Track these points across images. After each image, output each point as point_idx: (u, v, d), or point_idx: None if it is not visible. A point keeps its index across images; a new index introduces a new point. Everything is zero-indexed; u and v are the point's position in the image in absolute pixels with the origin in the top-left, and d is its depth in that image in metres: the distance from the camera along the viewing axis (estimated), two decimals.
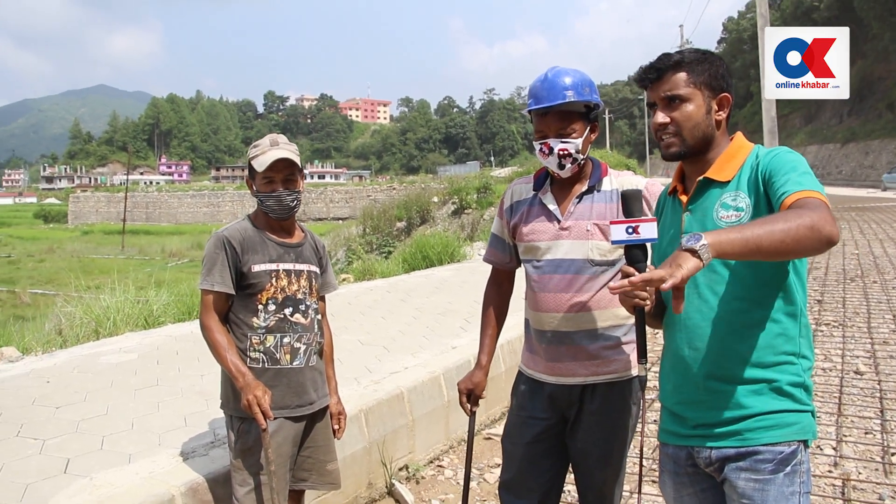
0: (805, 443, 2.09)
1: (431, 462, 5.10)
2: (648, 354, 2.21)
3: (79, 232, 65.77)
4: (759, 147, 2.21)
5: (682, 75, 2.19)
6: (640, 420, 2.88)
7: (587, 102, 2.80)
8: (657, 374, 2.47)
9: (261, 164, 2.99)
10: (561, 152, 2.79)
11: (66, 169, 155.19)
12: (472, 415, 3.18)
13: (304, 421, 3.10)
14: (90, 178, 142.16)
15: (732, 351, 2.10)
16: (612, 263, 2.83)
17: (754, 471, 2.05)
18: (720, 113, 2.24)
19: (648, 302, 2.12)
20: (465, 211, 31.62)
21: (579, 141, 2.80)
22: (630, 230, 2.09)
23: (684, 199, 2.27)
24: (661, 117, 2.21)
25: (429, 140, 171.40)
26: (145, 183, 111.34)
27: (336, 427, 3.29)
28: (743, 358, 2.08)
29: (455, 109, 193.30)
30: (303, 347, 3.08)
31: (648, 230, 2.09)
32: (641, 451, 2.43)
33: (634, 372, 2.90)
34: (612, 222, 2.14)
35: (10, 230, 68.71)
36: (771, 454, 2.05)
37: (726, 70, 2.25)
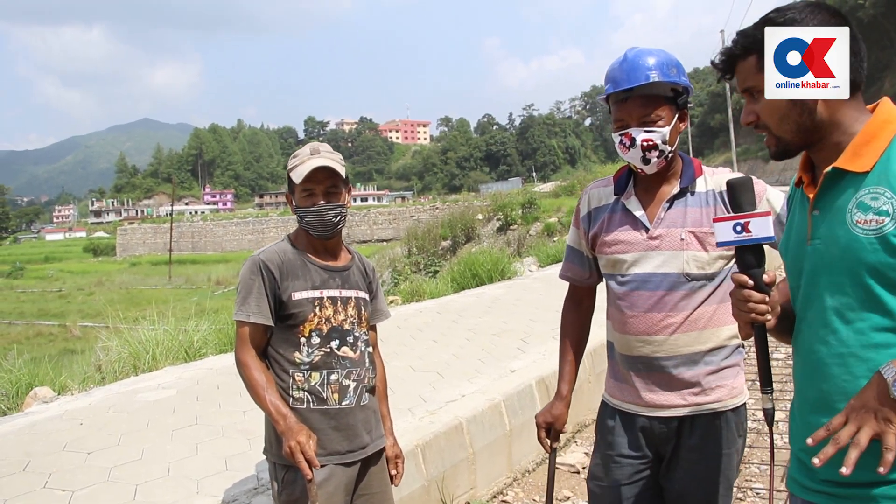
0: None
1: (495, 497, 4.70)
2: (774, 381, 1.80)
3: (127, 264, 67.07)
4: None
5: (752, 60, 1.73)
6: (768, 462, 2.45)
7: (674, 85, 2.40)
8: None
9: (299, 175, 2.64)
10: (645, 143, 2.38)
11: (113, 202, 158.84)
12: (552, 451, 2.78)
13: (356, 466, 2.72)
14: (137, 211, 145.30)
15: None
16: (710, 277, 2.42)
17: None
18: None
19: (770, 317, 1.73)
20: (511, 227, 31.39)
21: (666, 130, 2.39)
22: (739, 228, 1.75)
23: (811, 193, 1.78)
24: (745, 115, 1.80)
25: (470, 158, 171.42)
26: (190, 213, 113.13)
27: (393, 472, 2.91)
28: None
29: (495, 127, 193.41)
30: (353, 385, 2.71)
31: (762, 227, 1.73)
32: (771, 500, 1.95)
33: (740, 400, 2.51)
34: (715, 220, 1.80)
35: (60, 265, 70.26)
36: None
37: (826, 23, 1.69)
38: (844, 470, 1.48)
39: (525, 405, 5.11)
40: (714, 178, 2.51)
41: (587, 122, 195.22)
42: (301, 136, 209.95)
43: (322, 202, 2.67)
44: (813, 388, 1.72)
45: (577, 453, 5.30)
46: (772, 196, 2.44)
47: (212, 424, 4.61)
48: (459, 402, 4.80)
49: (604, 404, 2.70)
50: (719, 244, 1.81)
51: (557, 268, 11.84)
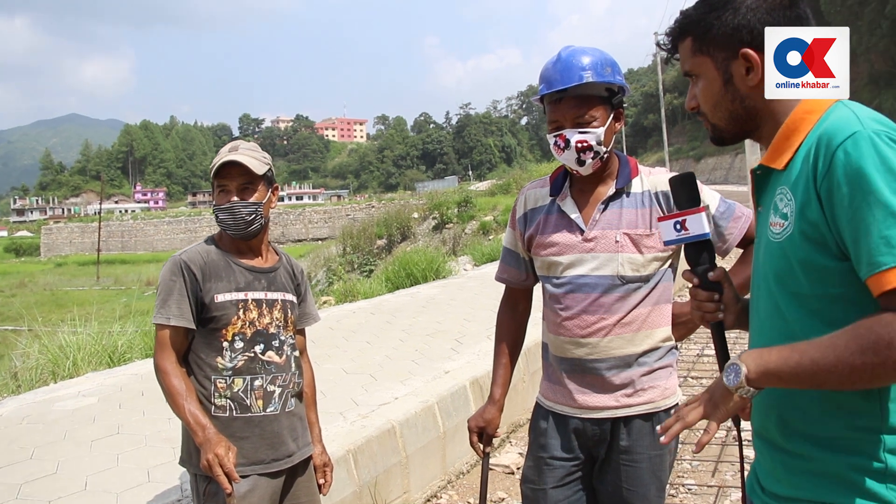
0: None
1: (429, 500, 4.64)
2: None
3: (52, 264, 64.69)
4: (832, 112, 1.46)
5: (688, 42, 1.64)
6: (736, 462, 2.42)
7: (609, 85, 2.36)
8: None
9: (213, 171, 2.54)
10: (579, 145, 2.34)
11: (37, 200, 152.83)
12: (485, 456, 2.72)
13: (282, 476, 2.62)
14: (63, 210, 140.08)
15: (781, 416, 1.53)
16: (645, 279, 2.41)
17: None
18: (748, 74, 1.56)
19: (721, 315, 1.69)
20: (447, 226, 31.41)
21: (601, 130, 2.36)
22: (678, 226, 1.70)
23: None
24: (688, 98, 1.71)
25: (406, 157, 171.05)
26: (120, 211, 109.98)
27: (322, 481, 2.81)
28: (793, 428, 1.50)
29: (432, 125, 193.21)
30: (277, 391, 2.61)
31: (696, 224, 1.68)
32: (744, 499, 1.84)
33: (672, 401, 2.50)
34: (660, 219, 1.76)
35: None
36: None
37: (764, 8, 1.54)
38: (663, 439, 1.58)
39: (459, 407, 5.06)
40: (650, 178, 2.48)
41: (523, 121, 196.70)
42: (236, 133, 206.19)
43: (235, 199, 2.56)
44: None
45: (511, 454, 5.27)
46: (707, 196, 2.42)
47: (135, 434, 4.41)
48: (392, 405, 4.71)
49: (538, 406, 2.66)
50: (666, 243, 1.77)
51: (493, 266, 11.88)
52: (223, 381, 2.53)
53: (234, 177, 2.56)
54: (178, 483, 3.50)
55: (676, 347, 2.57)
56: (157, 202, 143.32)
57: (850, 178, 1.32)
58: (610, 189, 2.45)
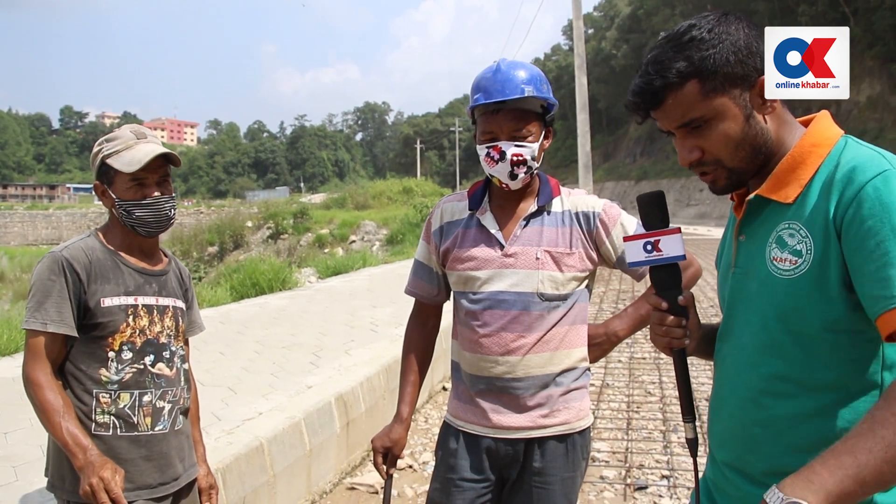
0: None
1: None
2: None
3: None
4: (846, 148, 1.46)
5: (694, 86, 1.47)
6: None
7: (544, 101, 2.33)
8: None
9: (130, 163, 2.26)
10: (515, 158, 2.29)
11: None
12: (388, 478, 2.58)
13: (168, 501, 2.36)
14: None
15: (763, 448, 1.51)
16: (564, 298, 2.37)
17: None
18: (765, 103, 1.50)
19: (687, 341, 1.64)
20: (282, 236, 30.81)
21: (535, 146, 2.33)
22: (650, 247, 1.62)
23: (739, 216, 1.63)
24: (686, 153, 1.53)
25: (238, 164, 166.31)
26: None
27: None
28: (779, 460, 1.46)
29: (265, 134, 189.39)
30: (167, 407, 2.36)
31: (672, 245, 1.61)
32: None
33: (586, 422, 2.48)
34: (626, 238, 1.68)
35: None
36: None
37: (747, 33, 1.49)
38: None
39: (324, 423, 4.85)
40: (570, 198, 2.47)
41: (358, 136, 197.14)
42: (56, 125, 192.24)
43: (157, 193, 2.31)
44: (717, 422, 1.63)
45: (374, 473, 5.12)
46: (626, 221, 2.42)
47: None
48: (257, 421, 4.44)
49: (446, 425, 2.56)
50: (631, 265, 1.70)
51: (338, 280, 11.70)
52: (107, 395, 2.25)
53: (155, 169, 2.31)
54: None
55: (589, 369, 2.55)
56: None
57: (877, 212, 1.30)
58: (531, 206, 2.42)
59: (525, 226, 2.39)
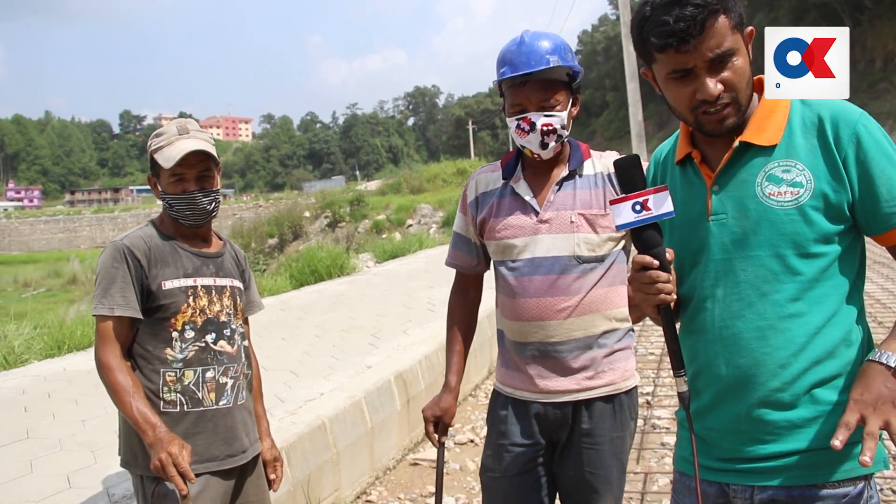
0: (872, 476, 1.65)
1: (359, 497, 4.53)
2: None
3: None
4: (801, 100, 1.67)
5: (724, 20, 1.56)
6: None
7: (570, 69, 2.36)
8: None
9: (168, 159, 2.37)
10: (545, 128, 2.34)
11: None
12: (440, 446, 2.67)
13: (234, 476, 2.48)
14: None
15: (789, 369, 1.62)
16: (601, 259, 2.40)
17: None
18: (750, 52, 1.66)
19: (674, 296, 1.67)
20: (339, 224, 31.16)
21: (564, 114, 2.37)
22: (639, 207, 1.63)
23: (709, 169, 1.73)
24: (713, 86, 1.59)
25: (293, 156, 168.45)
26: None
27: (272, 476, 2.68)
28: (802, 378, 1.62)
29: (318, 125, 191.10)
30: (230, 382, 2.47)
31: (662, 203, 1.62)
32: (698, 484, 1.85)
33: (632, 383, 2.51)
34: (612, 202, 1.68)
35: None
36: (832, 499, 1.61)
37: None
38: (866, 459, 1.44)
39: (385, 402, 4.98)
40: (602, 160, 2.50)
41: (410, 121, 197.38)
42: (116, 130, 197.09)
43: (194, 189, 2.42)
44: (729, 364, 1.69)
45: (433, 450, 5.23)
46: None
47: (47, 438, 4.10)
48: (319, 401, 4.58)
49: (496, 393, 2.63)
50: (619, 227, 1.67)
51: (395, 263, 11.82)
52: (173, 373, 2.38)
53: (193, 164, 2.41)
54: (103, 489, 3.28)
55: (633, 330, 2.59)
56: (31, 200, 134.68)
57: (873, 146, 1.59)
58: (563, 171, 2.46)
59: (558, 190, 2.43)
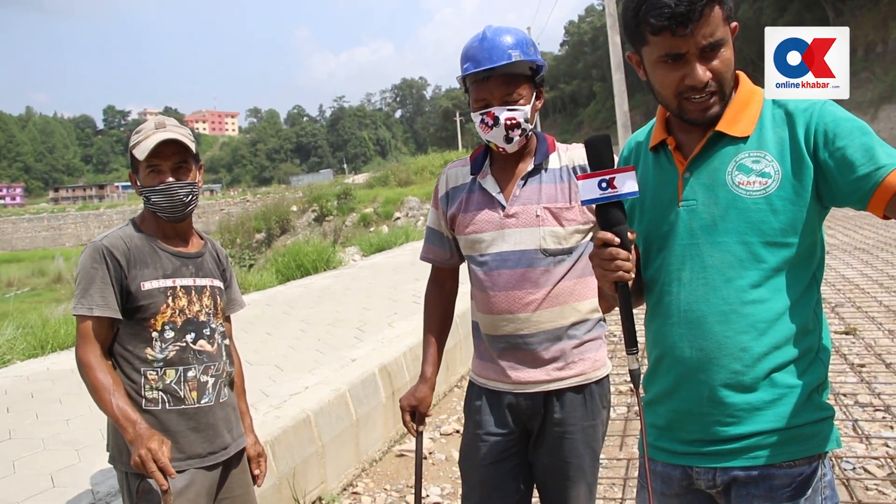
0: (826, 454, 1.74)
1: (345, 489, 4.60)
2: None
3: None
4: (773, 99, 1.74)
5: (719, 10, 1.62)
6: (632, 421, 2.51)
7: (532, 63, 2.42)
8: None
9: (143, 151, 2.41)
10: (508, 122, 2.39)
11: None
12: (418, 435, 2.74)
13: (218, 469, 2.54)
14: None
15: (750, 353, 1.69)
16: (568, 252, 2.47)
17: (769, 497, 1.70)
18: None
19: (633, 274, 1.72)
20: (327, 218, 31.18)
21: (527, 108, 2.43)
22: (604, 184, 1.67)
23: (679, 156, 1.80)
24: (701, 73, 1.64)
25: (280, 150, 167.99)
26: None
27: (256, 472, 2.74)
28: (762, 361, 1.69)
29: (305, 118, 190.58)
30: (211, 380, 2.52)
31: (627, 182, 1.67)
32: (646, 459, 1.94)
33: (603, 372, 2.59)
34: (579, 177, 1.72)
35: None
36: (788, 477, 1.70)
37: None
38: None
39: (369, 394, 5.05)
40: (567, 153, 2.56)
41: (397, 114, 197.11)
42: (100, 126, 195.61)
43: (171, 179, 2.46)
44: (692, 347, 1.75)
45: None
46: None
47: (30, 438, 4.13)
48: (304, 395, 4.64)
49: (471, 384, 2.69)
50: (584, 202, 1.72)
51: (382, 256, 11.83)
52: (154, 372, 2.42)
53: (168, 156, 2.45)
54: (89, 487, 3.33)
55: (604, 320, 2.65)
56: (14, 198, 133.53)
57: (839, 121, 1.63)
58: (529, 165, 2.52)
59: (524, 185, 2.49)
